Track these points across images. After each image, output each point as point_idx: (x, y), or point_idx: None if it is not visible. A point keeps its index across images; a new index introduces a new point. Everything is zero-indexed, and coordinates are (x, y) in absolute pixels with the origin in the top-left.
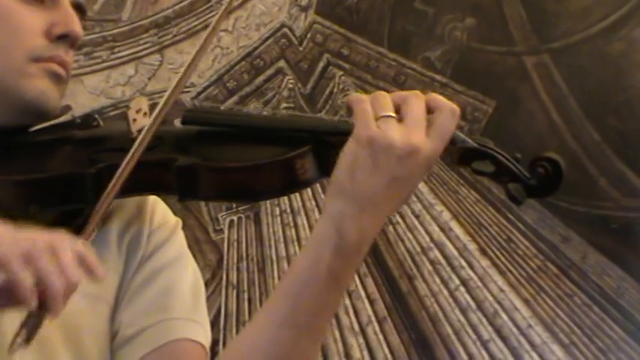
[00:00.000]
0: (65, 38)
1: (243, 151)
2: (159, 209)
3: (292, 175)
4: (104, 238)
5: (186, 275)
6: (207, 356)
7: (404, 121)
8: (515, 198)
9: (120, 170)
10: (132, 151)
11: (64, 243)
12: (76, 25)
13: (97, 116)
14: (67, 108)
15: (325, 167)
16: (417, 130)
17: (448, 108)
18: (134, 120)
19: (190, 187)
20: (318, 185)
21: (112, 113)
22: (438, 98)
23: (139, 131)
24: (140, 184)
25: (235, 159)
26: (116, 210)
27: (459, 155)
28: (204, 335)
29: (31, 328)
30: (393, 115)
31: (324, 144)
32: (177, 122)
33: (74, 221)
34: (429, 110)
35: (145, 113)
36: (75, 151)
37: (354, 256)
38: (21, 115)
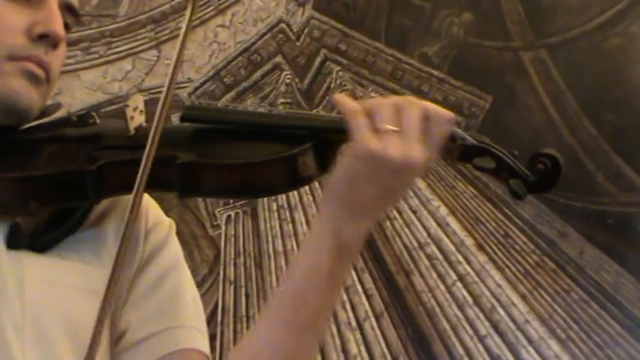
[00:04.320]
0: (45, 38)
1: (245, 148)
2: (152, 208)
3: (294, 172)
4: (101, 236)
5: (186, 280)
6: None
7: (402, 133)
8: (517, 194)
9: (141, 171)
10: (147, 150)
11: None
12: (56, 25)
13: (93, 114)
14: (57, 106)
15: (325, 164)
16: (414, 143)
17: (446, 119)
18: (131, 118)
19: (191, 184)
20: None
21: (108, 109)
22: (435, 107)
23: (137, 129)
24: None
25: (237, 156)
26: (111, 208)
27: (458, 152)
28: (206, 344)
29: None
30: (395, 128)
31: (325, 141)
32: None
33: (67, 220)
34: (425, 117)
35: (141, 111)
36: (73, 149)
37: (351, 256)
38: None
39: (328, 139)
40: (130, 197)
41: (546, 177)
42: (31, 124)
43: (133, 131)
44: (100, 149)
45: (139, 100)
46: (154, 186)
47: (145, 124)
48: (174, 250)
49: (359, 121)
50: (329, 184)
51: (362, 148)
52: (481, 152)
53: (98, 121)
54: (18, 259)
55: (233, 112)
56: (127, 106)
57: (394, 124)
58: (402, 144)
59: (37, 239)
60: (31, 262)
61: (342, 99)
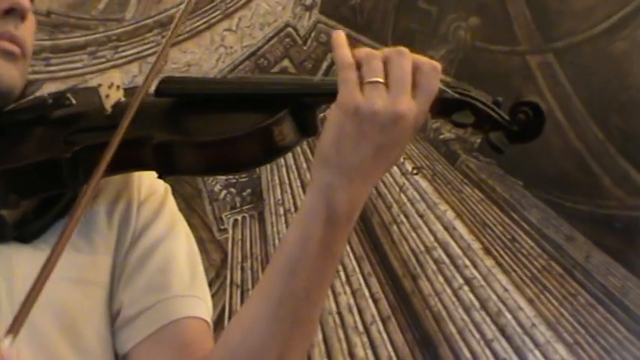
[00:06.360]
0: (12, 12)
1: (220, 121)
2: (146, 178)
3: (271, 143)
4: (92, 219)
5: (181, 246)
6: (209, 329)
7: (389, 85)
8: (498, 147)
9: (107, 152)
10: (116, 132)
11: None
12: None
13: (69, 95)
14: (39, 84)
15: (305, 129)
16: (402, 95)
17: (430, 66)
18: (107, 96)
19: (169, 164)
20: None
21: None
22: (418, 57)
23: (114, 107)
24: (120, 163)
25: (212, 132)
26: (102, 188)
27: (436, 107)
28: (204, 308)
29: None
30: (382, 80)
31: (302, 106)
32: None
33: (54, 206)
34: (415, 68)
35: (118, 86)
36: (49, 134)
37: (345, 225)
38: None
39: (306, 103)
40: (117, 177)
41: (529, 126)
42: (8, 107)
43: (110, 110)
44: (76, 132)
45: (114, 77)
46: (133, 166)
47: (123, 99)
48: (168, 217)
49: (348, 75)
50: (317, 150)
51: (348, 103)
52: (460, 106)
53: (74, 101)
54: (7, 255)
55: (208, 83)
56: (100, 85)
57: (381, 77)
58: (389, 98)
59: (25, 228)
60: (20, 258)
61: (339, 49)
